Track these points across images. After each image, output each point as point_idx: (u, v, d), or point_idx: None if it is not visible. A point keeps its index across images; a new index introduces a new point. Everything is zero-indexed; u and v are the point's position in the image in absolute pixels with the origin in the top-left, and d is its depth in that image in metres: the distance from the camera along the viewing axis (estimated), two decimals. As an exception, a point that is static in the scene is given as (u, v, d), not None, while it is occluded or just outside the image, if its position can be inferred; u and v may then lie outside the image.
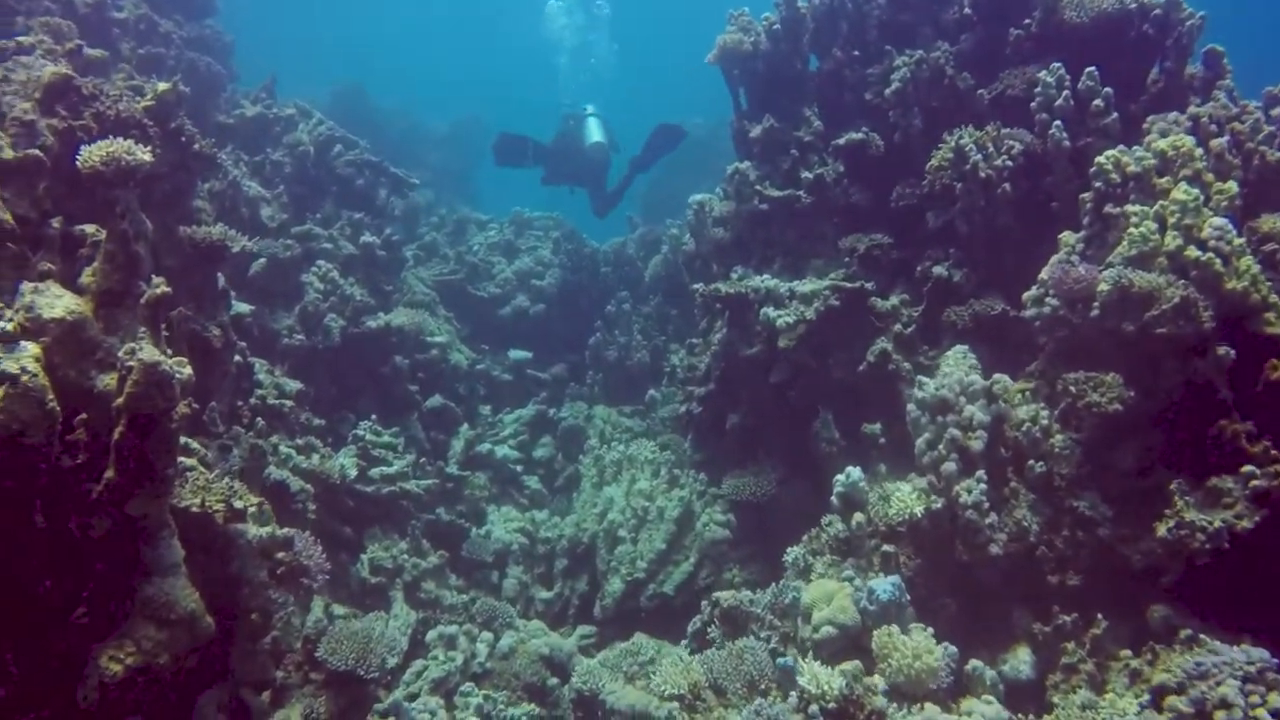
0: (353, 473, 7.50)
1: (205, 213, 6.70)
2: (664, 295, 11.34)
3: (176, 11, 10.41)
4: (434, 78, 37.23)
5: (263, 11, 26.22)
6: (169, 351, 4.18)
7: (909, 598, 5.04)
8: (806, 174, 7.59)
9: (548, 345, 11.53)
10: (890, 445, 6.71)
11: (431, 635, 6.72)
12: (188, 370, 3.93)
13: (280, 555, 4.86)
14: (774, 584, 6.21)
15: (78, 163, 3.97)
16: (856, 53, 7.85)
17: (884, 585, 4.97)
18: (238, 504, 4.29)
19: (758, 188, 7.78)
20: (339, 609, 6.69)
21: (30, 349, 3.41)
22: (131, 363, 3.53)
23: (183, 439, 4.87)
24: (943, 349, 6.55)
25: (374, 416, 8.31)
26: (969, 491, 5.32)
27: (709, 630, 6.33)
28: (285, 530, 4.88)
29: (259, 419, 6.53)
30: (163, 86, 5.57)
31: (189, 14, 10.75)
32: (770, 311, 7.03)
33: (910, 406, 5.94)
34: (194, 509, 4.17)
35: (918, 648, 4.56)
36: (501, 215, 13.81)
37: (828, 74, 7.97)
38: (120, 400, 3.54)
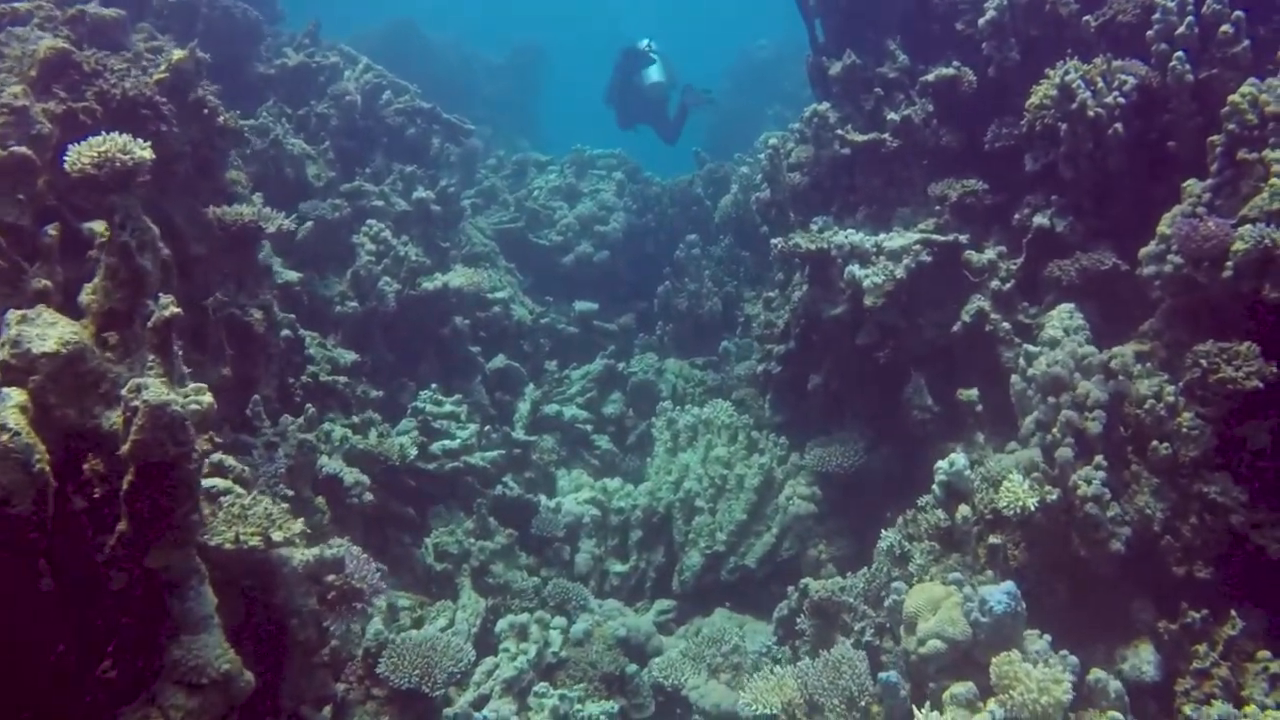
0: (413, 452, 7.07)
1: (241, 184, 6.20)
2: (734, 236, 10.73)
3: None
4: (490, 7, 36.35)
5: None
6: (187, 371, 3.74)
7: (1024, 605, 4.50)
8: (892, 115, 6.91)
9: (613, 293, 11.02)
10: (988, 412, 6.16)
11: (502, 625, 6.32)
12: (207, 399, 3.49)
13: (330, 579, 4.44)
14: (865, 569, 5.73)
15: (65, 165, 3.45)
16: (945, -24, 7.11)
17: (998, 595, 4.42)
18: (276, 535, 3.85)
19: (839, 132, 7.13)
20: (404, 600, 6.33)
21: (13, 398, 2.95)
22: (136, 403, 3.07)
23: (219, 454, 4.46)
24: (1045, 306, 6.03)
25: (434, 385, 7.86)
26: (1088, 482, 4.76)
27: (798, 620, 5.89)
28: (334, 550, 4.45)
29: (309, 404, 6.12)
30: (178, 54, 5.04)
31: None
32: (856, 270, 6.42)
33: (1015, 379, 5.38)
34: (227, 546, 3.74)
35: (1043, 680, 4.01)
36: (561, 150, 13.29)
37: (914, 2, 7.24)
38: (126, 448, 3.09)
